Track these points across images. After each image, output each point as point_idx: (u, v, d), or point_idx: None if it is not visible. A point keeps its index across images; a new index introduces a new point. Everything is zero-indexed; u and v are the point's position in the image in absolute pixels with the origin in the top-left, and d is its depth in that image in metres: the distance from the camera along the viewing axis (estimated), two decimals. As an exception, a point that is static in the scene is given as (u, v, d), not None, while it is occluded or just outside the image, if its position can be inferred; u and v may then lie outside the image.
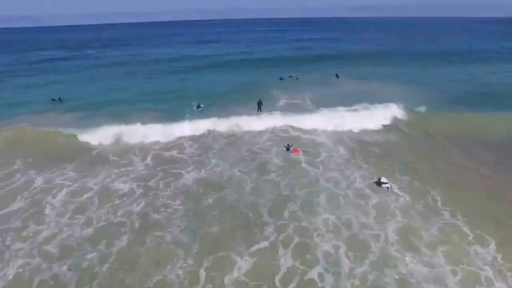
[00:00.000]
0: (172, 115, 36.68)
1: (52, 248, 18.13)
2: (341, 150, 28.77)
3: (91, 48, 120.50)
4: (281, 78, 57.19)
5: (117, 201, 22.32)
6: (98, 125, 33.84)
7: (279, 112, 37.56)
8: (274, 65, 69.29)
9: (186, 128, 33.00)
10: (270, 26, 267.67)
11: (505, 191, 21.97)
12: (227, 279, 15.79)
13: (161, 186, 24.07)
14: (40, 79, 63.28)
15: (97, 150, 30.00)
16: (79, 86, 55.75)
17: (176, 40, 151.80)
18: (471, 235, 17.92)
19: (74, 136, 32.25)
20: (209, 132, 32.83)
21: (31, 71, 72.91)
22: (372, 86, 50.14)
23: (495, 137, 30.45)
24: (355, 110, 37.02)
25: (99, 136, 31.82)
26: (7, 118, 37.88)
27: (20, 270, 16.63)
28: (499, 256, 16.40)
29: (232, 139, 31.75)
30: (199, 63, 75.80)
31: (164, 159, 28.24)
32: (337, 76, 57.86)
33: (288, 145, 28.65)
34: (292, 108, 38.93)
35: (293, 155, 27.83)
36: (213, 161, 27.56)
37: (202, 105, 41.50)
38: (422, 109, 36.77)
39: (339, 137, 31.40)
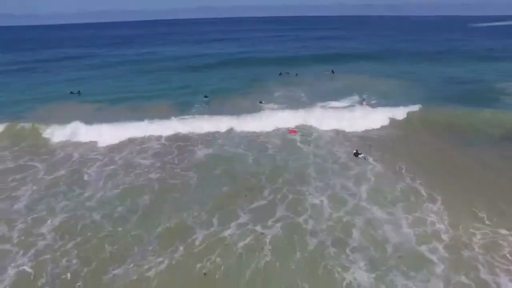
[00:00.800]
0: (185, 106, 42.27)
1: (91, 204, 22.94)
2: (329, 133, 34.07)
3: (100, 47, 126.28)
4: (280, 74, 61.74)
5: (139, 171, 27.26)
6: (119, 115, 38.51)
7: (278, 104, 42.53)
8: (274, 62, 73.62)
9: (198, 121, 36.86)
10: (271, 25, 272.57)
11: (457, 162, 27.09)
12: (233, 224, 20.47)
13: (176, 161, 28.98)
14: (58, 76, 67.92)
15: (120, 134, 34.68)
16: (95, 82, 60.11)
17: (184, 38, 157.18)
18: (425, 195, 22.83)
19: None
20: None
21: (49, 68, 77.68)
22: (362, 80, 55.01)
23: (464, 126, 34.77)
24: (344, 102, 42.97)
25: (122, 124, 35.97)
26: (31, 109, 42.67)
27: (67, 218, 21.36)
28: (442, 207, 21.34)
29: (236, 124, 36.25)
30: (206, 61, 79.92)
31: (179, 138, 33.41)
32: (332, 72, 62.40)
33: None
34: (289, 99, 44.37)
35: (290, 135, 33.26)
36: (220, 141, 32.54)
37: (208, 96, 47.05)
38: (403, 101, 40.99)
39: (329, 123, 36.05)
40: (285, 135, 33.42)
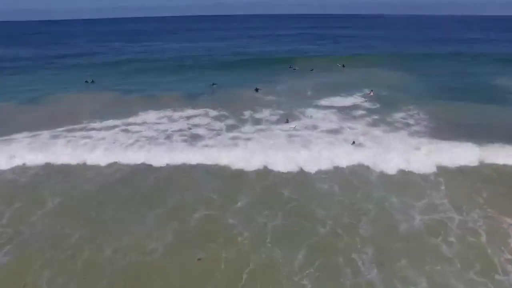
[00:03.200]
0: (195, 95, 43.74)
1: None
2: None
3: (106, 43, 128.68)
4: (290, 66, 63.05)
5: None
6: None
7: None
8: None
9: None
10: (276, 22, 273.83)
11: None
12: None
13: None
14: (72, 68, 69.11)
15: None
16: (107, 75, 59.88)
17: (194, 34, 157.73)
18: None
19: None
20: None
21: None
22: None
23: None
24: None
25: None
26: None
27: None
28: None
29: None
30: (219, 58, 78.90)
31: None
32: (343, 66, 63.35)
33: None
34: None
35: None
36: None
37: (215, 84, 48.95)
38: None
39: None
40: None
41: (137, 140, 29.14)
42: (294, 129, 31.92)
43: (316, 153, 26.16)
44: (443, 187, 22.77)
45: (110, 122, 33.41)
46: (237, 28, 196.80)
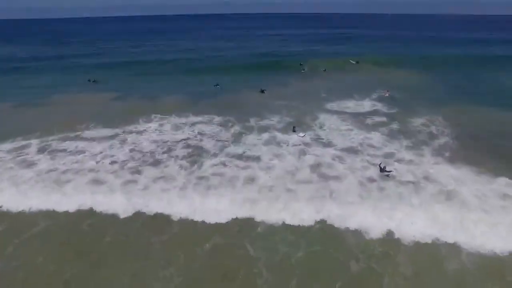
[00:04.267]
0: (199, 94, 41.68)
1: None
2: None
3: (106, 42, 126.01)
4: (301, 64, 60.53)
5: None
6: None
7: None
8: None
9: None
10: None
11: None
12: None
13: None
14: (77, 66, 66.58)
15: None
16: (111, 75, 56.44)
17: (200, 33, 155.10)
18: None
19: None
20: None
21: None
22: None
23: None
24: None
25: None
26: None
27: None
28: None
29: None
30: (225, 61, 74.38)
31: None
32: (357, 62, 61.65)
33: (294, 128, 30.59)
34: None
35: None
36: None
37: (219, 85, 46.12)
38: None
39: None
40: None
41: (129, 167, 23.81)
42: (303, 138, 28.69)
43: (346, 207, 19.16)
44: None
45: (108, 131, 30.32)
46: (244, 28, 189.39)
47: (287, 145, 26.99)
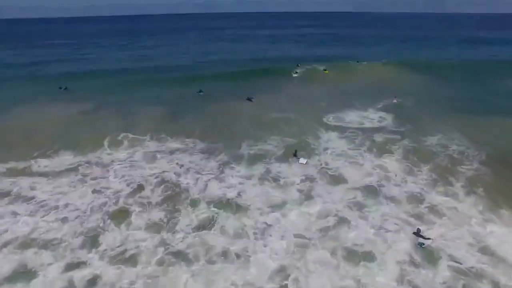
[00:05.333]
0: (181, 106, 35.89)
1: None
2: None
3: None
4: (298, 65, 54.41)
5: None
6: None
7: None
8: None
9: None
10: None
11: None
12: None
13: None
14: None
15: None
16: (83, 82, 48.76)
17: (184, 35, 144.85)
18: None
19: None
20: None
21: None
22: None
23: None
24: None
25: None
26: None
27: None
28: None
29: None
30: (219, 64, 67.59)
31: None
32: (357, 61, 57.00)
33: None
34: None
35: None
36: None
37: (202, 91, 41.14)
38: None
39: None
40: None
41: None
42: (305, 164, 23.58)
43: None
44: None
45: (68, 160, 24.27)
46: (230, 28, 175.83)
47: (287, 184, 21.00)
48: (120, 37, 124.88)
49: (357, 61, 55.68)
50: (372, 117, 33.78)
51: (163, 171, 22.21)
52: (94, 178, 21.35)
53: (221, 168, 22.67)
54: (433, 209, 18.71)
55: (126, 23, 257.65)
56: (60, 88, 44.36)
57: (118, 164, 23.31)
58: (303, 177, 21.66)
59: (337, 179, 21.69)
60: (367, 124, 31.84)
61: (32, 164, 23.69)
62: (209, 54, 73.42)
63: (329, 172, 22.40)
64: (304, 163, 23.87)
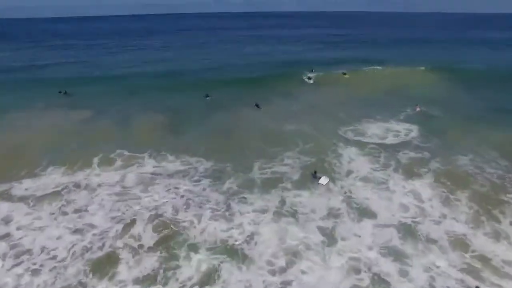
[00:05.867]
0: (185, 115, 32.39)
1: None
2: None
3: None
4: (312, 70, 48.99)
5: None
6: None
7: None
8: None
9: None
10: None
11: None
12: None
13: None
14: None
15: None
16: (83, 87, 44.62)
17: (190, 35, 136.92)
18: None
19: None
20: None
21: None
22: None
23: None
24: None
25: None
26: None
27: None
28: None
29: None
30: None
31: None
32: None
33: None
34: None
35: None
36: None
37: (210, 96, 38.16)
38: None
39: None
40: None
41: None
42: (326, 184, 20.42)
43: None
44: None
45: (53, 181, 21.01)
46: (238, 28, 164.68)
47: (306, 221, 17.24)
48: (128, 37, 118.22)
49: (372, 66, 50.88)
50: (395, 129, 30.06)
51: (159, 203, 18.49)
52: (78, 210, 17.94)
53: (228, 202, 18.74)
54: (487, 262, 14.97)
55: (137, 22, 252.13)
56: (60, 92, 41.28)
57: (107, 191, 19.66)
58: (325, 210, 18.05)
59: (365, 213, 18.05)
60: (390, 138, 28.14)
61: (14, 186, 20.47)
62: (217, 57, 68.43)
63: (355, 204, 18.75)
64: (325, 183, 20.54)
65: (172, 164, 22.84)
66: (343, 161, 23.94)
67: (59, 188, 20.09)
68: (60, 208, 18.22)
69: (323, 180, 20.84)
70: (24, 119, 32.26)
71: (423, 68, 51.35)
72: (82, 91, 41.43)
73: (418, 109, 35.01)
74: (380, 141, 27.44)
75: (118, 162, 22.92)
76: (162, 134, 27.93)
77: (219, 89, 40.27)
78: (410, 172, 22.42)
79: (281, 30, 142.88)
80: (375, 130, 29.79)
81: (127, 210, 17.80)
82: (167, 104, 36.05)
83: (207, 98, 38.20)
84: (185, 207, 18.00)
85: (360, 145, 26.54)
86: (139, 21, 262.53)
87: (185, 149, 24.85)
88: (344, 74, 47.26)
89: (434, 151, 25.52)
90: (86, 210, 17.94)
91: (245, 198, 19.09)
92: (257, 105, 35.40)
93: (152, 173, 21.66)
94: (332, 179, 21.21)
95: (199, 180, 20.74)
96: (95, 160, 23.05)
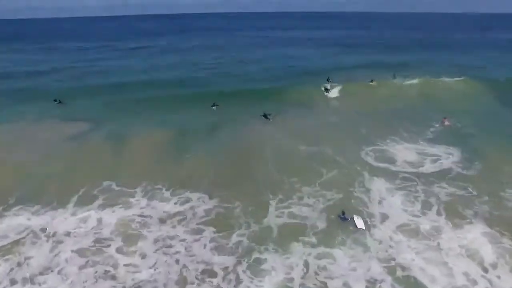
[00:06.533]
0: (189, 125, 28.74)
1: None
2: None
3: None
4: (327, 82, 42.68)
5: None
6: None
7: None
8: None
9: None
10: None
11: None
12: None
13: None
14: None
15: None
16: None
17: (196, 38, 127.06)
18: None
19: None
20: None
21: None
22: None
23: None
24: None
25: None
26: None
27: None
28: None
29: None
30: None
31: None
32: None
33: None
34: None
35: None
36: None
37: (217, 105, 34.68)
38: None
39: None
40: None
41: None
42: (360, 232, 16.31)
43: None
44: None
45: (16, 225, 16.67)
46: (246, 29, 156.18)
47: None
48: (135, 39, 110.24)
49: (394, 76, 44.99)
50: (427, 152, 25.45)
51: (142, 276, 13.52)
52: (31, 278, 13.48)
53: (237, 270, 13.88)
54: None
55: (150, 22, 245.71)
56: (55, 101, 37.37)
57: (75, 246, 15.07)
58: (363, 284, 13.56)
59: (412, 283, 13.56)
60: (424, 167, 23.31)
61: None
62: (226, 63, 61.91)
63: (401, 271, 14.09)
64: (362, 227, 16.52)
65: (167, 203, 18.32)
66: (373, 198, 19.44)
67: (21, 236, 15.84)
68: (12, 270, 13.87)
69: (359, 223, 16.70)
70: (4, 134, 28.32)
71: (457, 78, 44.64)
72: (79, 101, 37.45)
73: (447, 122, 30.70)
74: (412, 170, 22.85)
75: (99, 201, 18.43)
76: (160, 159, 23.58)
77: (226, 100, 35.75)
78: (457, 216, 17.94)
79: (294, 32, 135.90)
80: (404, 154, 25.27)
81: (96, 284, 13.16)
82: (169, 117, 31.78)
83: (213, 107, 34.43)
84: (179, 279, 13.34)
85: (390, 175, 22.01)
86: (144, 22, 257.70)
87: (185, 180, 20.50)
88: (371, 81, 42.05)
89: (478, 183, 20.96)
90: (39, 284, 13.35)
91: (259, 260, 14.43)
92: (265, 116, 31.33)
93: (139, 217, 17.13)
94: (366, 225, 16.75)
95: (199, 231, 16.10)
96: (74, 197, 18.71)
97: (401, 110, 34.72)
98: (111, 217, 17.03)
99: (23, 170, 21.82)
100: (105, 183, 20.01)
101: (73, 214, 17.41)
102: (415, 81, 43.46)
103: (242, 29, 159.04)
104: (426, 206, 18.80)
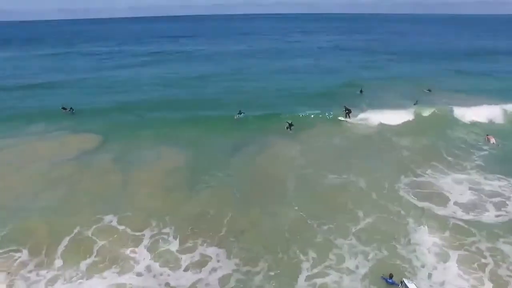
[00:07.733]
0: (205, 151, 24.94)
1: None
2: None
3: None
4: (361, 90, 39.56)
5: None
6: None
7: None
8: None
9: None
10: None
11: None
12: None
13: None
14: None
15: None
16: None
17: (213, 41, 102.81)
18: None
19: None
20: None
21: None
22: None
23: None
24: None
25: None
26: None
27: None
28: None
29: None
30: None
31: None
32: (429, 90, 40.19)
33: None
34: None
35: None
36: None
37: (243, 113, 32.39)
38: None
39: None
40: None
41: None
42: None
43: None
44: None
45: None
46: (266, 30, 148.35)
47: None
48: (155, 43, 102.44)
49: (429, 90, 39.60)
50: (481, 186, 20.95)
51: None
52: None
53: None
54: None
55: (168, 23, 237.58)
56: (64, 109, 33.84)
57: None
58: None
59: None
60: (480, 207, 18.84)
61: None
62: (248, 76, 52.11)
63: None
64: None
65: (174, 259, 14.40)
66: (425, 261, 15.03)
67: None
68: None
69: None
70: (5, 149, 25.11)
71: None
72: (90, 113, 33.71)
73: (492, 140, 26.47)
74: (469, 217, 18.11)
75: (92, 257, 14.51)
76: (172, 188, 19.90)
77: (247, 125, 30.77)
78: None
79: (310, 36, 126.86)
80: (454, 189, 20.68)
81: None
82: (186, 136, 27.57)
83: (240, 115, 32.04)
84: None
85: (440, 223, 17.49)
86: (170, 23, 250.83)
87: (198, 221, 16.82)
88: (415, 103, 34.41)
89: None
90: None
91: None
92: (289, 126, 28.79)
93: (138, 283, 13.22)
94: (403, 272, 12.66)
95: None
96: (62, 243, 15.03)
97: (438, 132, 29.73)
98: (107, 279, 13.26)
99: (15, 200, 18.54)
100: (108, 217, 16.59)
101: (60, 266, 13.71)
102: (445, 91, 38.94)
103: (263, 33, 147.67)
104: (495, 278, 14.23)
